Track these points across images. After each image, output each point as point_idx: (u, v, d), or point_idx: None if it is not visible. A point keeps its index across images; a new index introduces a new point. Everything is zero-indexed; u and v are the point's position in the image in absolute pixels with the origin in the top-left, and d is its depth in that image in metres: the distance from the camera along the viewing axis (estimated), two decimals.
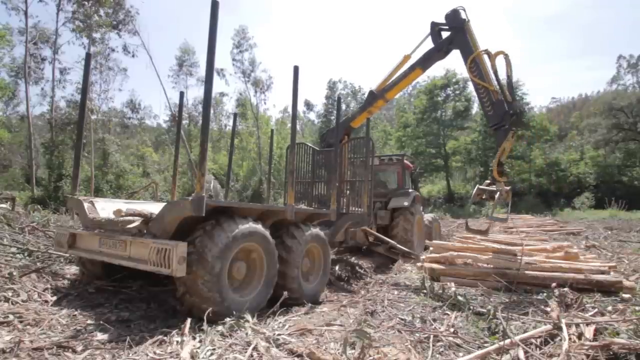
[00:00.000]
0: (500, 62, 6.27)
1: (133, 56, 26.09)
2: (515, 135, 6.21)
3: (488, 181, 6.36)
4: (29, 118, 24.27)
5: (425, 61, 7.36)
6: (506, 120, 6.07)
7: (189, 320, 3.11)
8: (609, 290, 4.86)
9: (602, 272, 5.24)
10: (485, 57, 6.44)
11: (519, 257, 5.61)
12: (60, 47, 25.48)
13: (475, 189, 6.29)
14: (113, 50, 26.06)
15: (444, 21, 7.07)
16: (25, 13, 23.40)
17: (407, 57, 7.46)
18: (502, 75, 6.34)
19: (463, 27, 6.72)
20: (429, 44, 7.32)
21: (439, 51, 7.16)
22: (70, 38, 25.38)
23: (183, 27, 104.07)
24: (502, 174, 6.18)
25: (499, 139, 6.22)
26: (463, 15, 6.80)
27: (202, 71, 38.69)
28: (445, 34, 7.14)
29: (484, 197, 6.30)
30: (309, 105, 55.30)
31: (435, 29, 7.18)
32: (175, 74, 38.05)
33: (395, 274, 6.83)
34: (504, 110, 6.10)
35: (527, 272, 5.39)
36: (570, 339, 2.88)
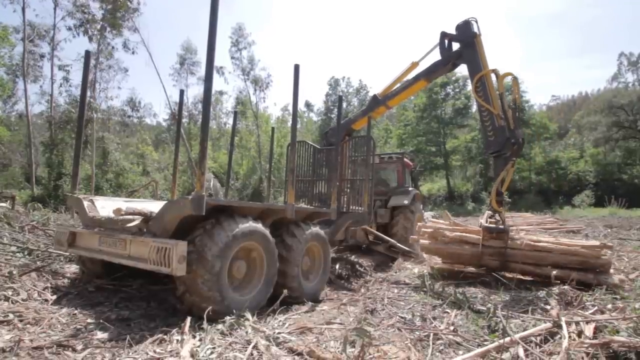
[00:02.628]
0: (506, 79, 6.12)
1: (133, 53, 25.95)
2: (514, 166, 5.97)
3: (489, 212, 6.10)
4: (28, 116, 24.23)
5: (430, 73, 7.21)
6: (507, 149, 5.85)
7: (189, 319, 3.12)
8: (598, 269, 4.97)
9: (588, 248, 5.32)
10: (493, 76, 6.25)
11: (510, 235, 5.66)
12: (58, 43, 25.44)
13: (481, 228, 5.90)
14: (113, 47, 25.89)
15: (454, 32, 6.83)
16: (23, 10, 23.33)
17: (414, 65, 7.29)
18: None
19: (473, 41, 6.48)
20: (437, 53, 7.08)
21: (446, 64, 7.00)
22: (67, 36, 25.18)
23: (183, 25, 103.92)
24: (501, 204, 5.96)
25: (498, 167, 6.02)
26: (475, 28, 6.54)
27: (203, 69, 38.60)
28: (454, 45, 6.91)
29: (492, 236, 5.86)
30: (309, 106, 55.15)
31: (445, 39, 6.93)
32: (176, 72, 38.02)
33: (395, 272, 6.84)
34: (506, 137, 5.86)
35: (518, 250, 5.45)
36: (570, 336, 2.88)
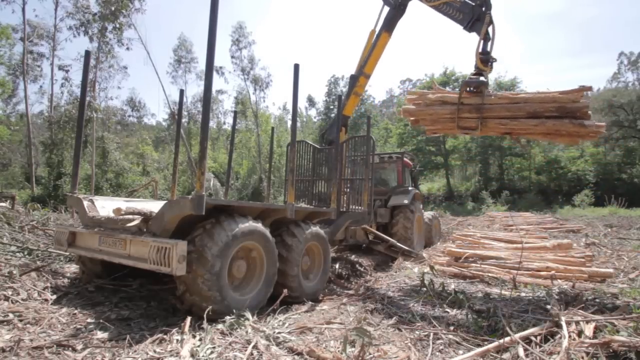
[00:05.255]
0: None
1: (127, 49, 25.77)
2: (491, 20, 5.93)
3: (474, 71, 5.89)
4: (28, 116, 24.25)
5: (388, 24, 7.51)
6: (476, 12, 6.04)
7: (189, 318, 3.12)
8: (576, 114, 4.85)
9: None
10: None
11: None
12: (59, 43, 25.47)
13: (461, 84, 5.64)
14: (113, 49, 25.70)
15: None
16: (23, 10, 23.35)
17: (372, 32, 7.68)
18: None
19: None
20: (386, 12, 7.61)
21: (395, 8, 7.39)
22: (68, 36, 25.23)
23: (182, 23, 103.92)
24: (486, 63, 5.79)
25: (479, 29, 6.04)
26: None
27: (200, 66, 38.51)
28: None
29: (471, 89, 5.57)
30: (311, 101, 54.43)
31: None
32: (174, 69, 37.89)
33: (395, 272, 6.84)
34: (470, 5, 6.13)
35: (495, 104, 5.28)
36: (570, 336, 2.88)
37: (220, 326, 3.10)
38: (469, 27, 6.24)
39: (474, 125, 5.31)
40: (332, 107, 49.27)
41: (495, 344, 2.86)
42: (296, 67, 4.72)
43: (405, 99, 6.08)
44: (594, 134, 4.84)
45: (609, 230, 13.53)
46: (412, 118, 5.85)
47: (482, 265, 6.35)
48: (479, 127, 5.30)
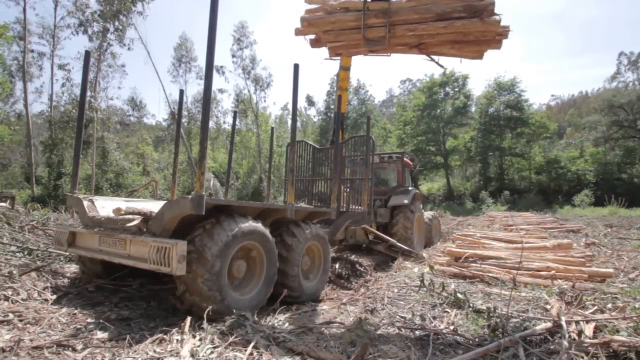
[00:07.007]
0: None
1: (129, 49, 25.80)
2: None
3: None
4: (28, 116, 24.23)
5: None
6: None
7: (189, 318, 3.12)
8: (483, 13, 4.29)
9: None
10: None
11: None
12: (59, 42, 25.47)
13: None
14: (109, 44, 25.51)
15: None
16: (24, 9, 23.36)
17: None
18: None
19: None
20: None
21: None
22: (67, 35, 25.16)
23: (182, 22, 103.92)
24: None
25: None
26: None
27: (201, 64, 38.53)
28: None
29: None
30: (310, 101, 54.38)
31: None
32: (175, 68, 37.82)
33: (395, 272, 6.84)
34: None
35: (404, 7, 4.65)
36: (570, 336, 2.88)
37: (220, 326, 3.10)
38: None
39: (382, 35, 4.70)
40: (332, 106, 49.27)
41: (496, 344, 2.86)
42: (296, 67, 4.72)
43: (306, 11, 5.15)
44: (499, 37, 4.39)
45: (609, 230, 13.52)
46: (312, 35, 5.04)
47: (482, 265, 6.34)
48: (387, 37, 4.69)
